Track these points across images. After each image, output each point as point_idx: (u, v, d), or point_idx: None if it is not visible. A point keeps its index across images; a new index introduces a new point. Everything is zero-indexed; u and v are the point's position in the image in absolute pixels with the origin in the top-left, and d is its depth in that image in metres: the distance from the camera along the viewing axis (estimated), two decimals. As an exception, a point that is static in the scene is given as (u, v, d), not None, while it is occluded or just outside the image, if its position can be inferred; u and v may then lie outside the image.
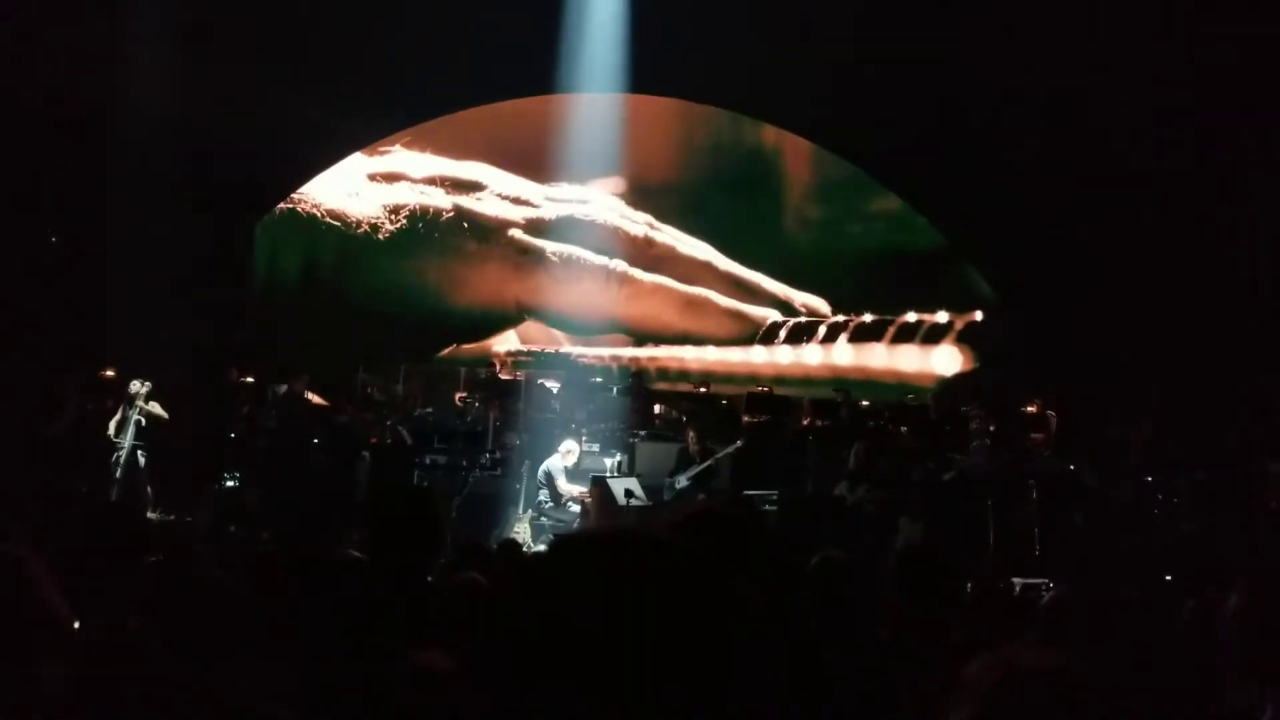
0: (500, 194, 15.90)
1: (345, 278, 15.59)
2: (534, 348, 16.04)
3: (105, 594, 2.52)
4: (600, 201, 15.85)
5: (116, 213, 12.52)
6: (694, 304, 16.00)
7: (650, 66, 14.08)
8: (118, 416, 10.84)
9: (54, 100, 11.95)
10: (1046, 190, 13.18)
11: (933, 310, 15.21)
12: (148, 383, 10.91)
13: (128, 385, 10.91)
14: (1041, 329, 13.60)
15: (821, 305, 15.93)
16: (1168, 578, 7.80)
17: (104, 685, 2.11)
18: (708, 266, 15.98)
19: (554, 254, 15.75)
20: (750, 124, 16.10)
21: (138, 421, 10.76)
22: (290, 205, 15.29)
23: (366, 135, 15.24)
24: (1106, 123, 12.58)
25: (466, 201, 15.85)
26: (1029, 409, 12.25)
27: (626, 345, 16.16)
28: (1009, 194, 13.44)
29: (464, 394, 14.02)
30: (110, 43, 12.45)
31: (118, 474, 10.66)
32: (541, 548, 10.16)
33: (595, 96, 14.67)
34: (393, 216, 15.65)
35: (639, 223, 15.97)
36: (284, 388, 12.46)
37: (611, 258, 15.73)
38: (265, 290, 15.29)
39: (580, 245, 15.70)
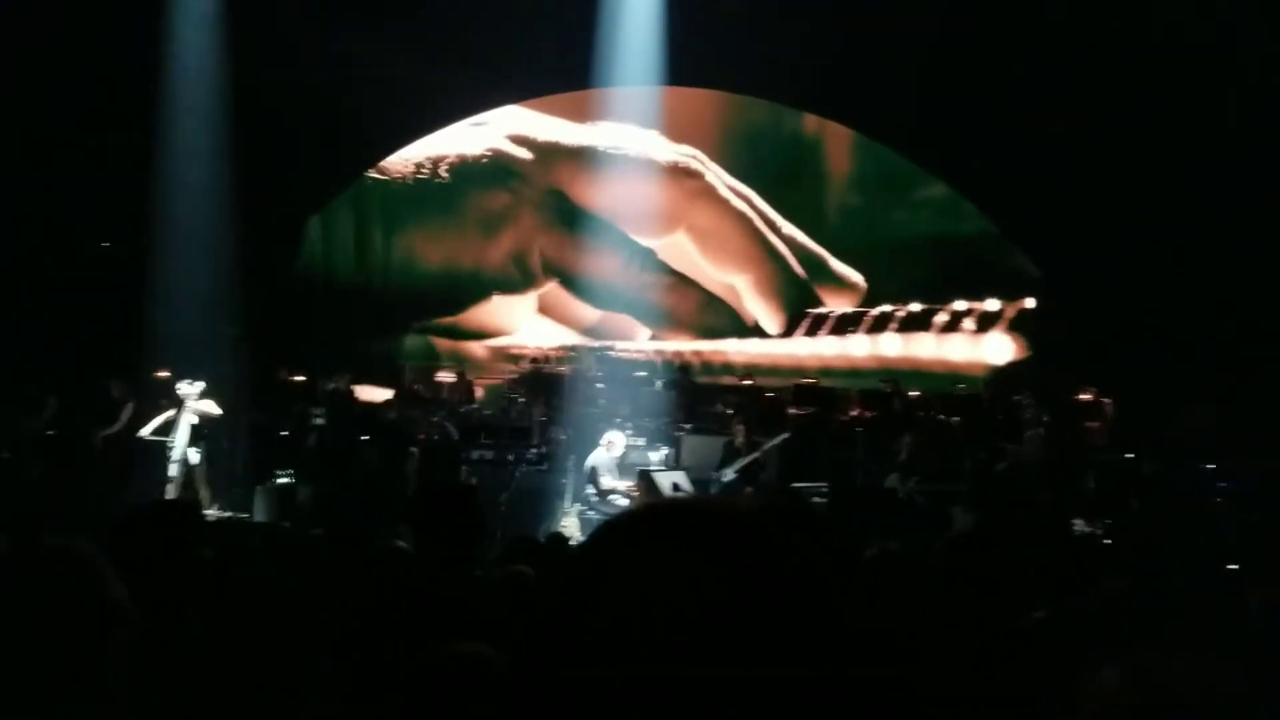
0: (538, 138, 15.94)
1: (390, 237, 15.91)
2: (578, 343, 16.09)
3: (165, 589, 2.56)
4: (641, 136, 15.73)
5: (165, 212, 12.78)
6: (714, 304, 15.94)
7: (687, 59, 14.02)
8: (161, 419, 11.02)
9: (102, 107, 12.18)
10: (1098, 172, 12.97)
11: (982, 298, 15.01)
12: (198, 382, 11.08)
13: (178, 386, 11.10)
14: (1096, 314, 13.39)
15: (857, 279, 15.76)
16: (1231, 568, 7.64)
17: (164, 678, 2.14)
18: (744, 220, 15.84)
19: (585, 214, 15.73)
20: (789, 113, 15.99)
21: (190, 422, 10.93)
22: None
23: (398, 139, 15.39)
24: (1160, 102, 12.35)
25: (503, 146, 15.94)
26: (1084, 397, 12.07)
27: (669, 338, 16.15)
28: (1059, 177, 13.24)
29: (508, 390, 14.12)
30: (158, 39, 12.69)
31: (172, 472, 10.86)
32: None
33: (632, 90, 14.65)
34: (433, 168, 15.83)
35: (682, 154, 15.86)
36: (331, 385, 12.62)
37: (647, 202, 15.53)
38: (323, 275, 15.56)
39: (616, 180, 15.52)
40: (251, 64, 12.87)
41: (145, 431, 11.08)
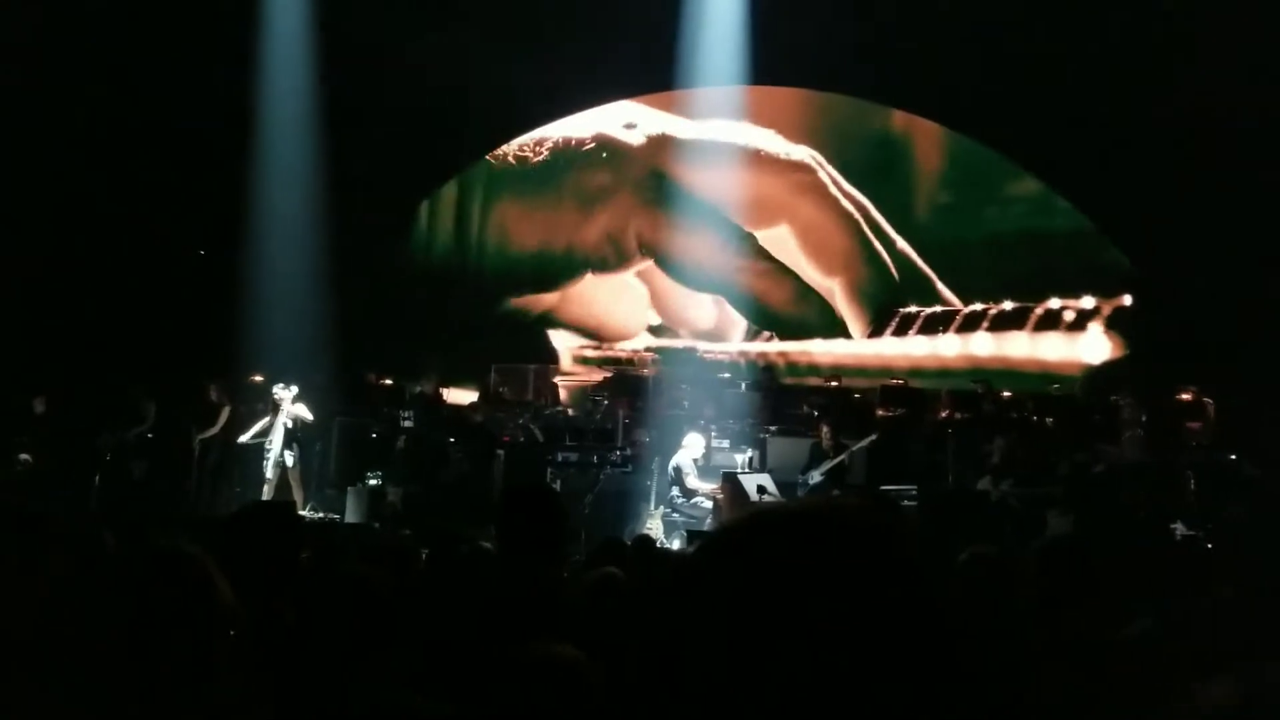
0: (645, 125, 16.06)
1: (488, 213, 16.22)
2: (662, 344, 16.09)
3: (267, 590, 2.64)
4: (757, 132, 15.68)
5: (259, 221, 13.18)
6: (807, 297, 15.79)
7: (772, 57, 13.93)
8: (260, 425, 11.36)
9: (199, 118, 12.59)
10: (1194, 165, 12.56)
11: (1077, 295, 14.64)
12: (293, 386, 11.39)
13: (273, 390, 11.43)
14: (1197, 311, 12.95)
15: (959, 306, 15.49)
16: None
17: (268, 676, 2.21)
18: (852, 222, 15.68)
19: (685, 195, 15.75)
20: (877, 109, 15.78)
21: (285, 425, 11.26)
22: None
23: (491, 140, 15.60)
24: (1265, 96, 11.90)
25: (607, 130, 16.12)
26: (1185, 396, 11.70)
27: (754, 340, 16.07)
28: (1154, 170, 12.85)
29: (592, 392, 14.20)
30: (251, 40, 13.09)
31: (268, 474, 11.20)
32: (676, 544, 10.20)
33: (715, 90, 14.60)
34: (536, 148, 16.07)
35: (798, 151, 15.80)
36: (418, 388, 12.86)
37: (752, 190, 15.44)
38: (423, 258, 16.02)
39: (722, 165, 15.46)
40: (342, 70, 13.18)
41: (245, 437, 11.45)
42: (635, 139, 16.04)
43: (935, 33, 13.28)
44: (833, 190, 15.65)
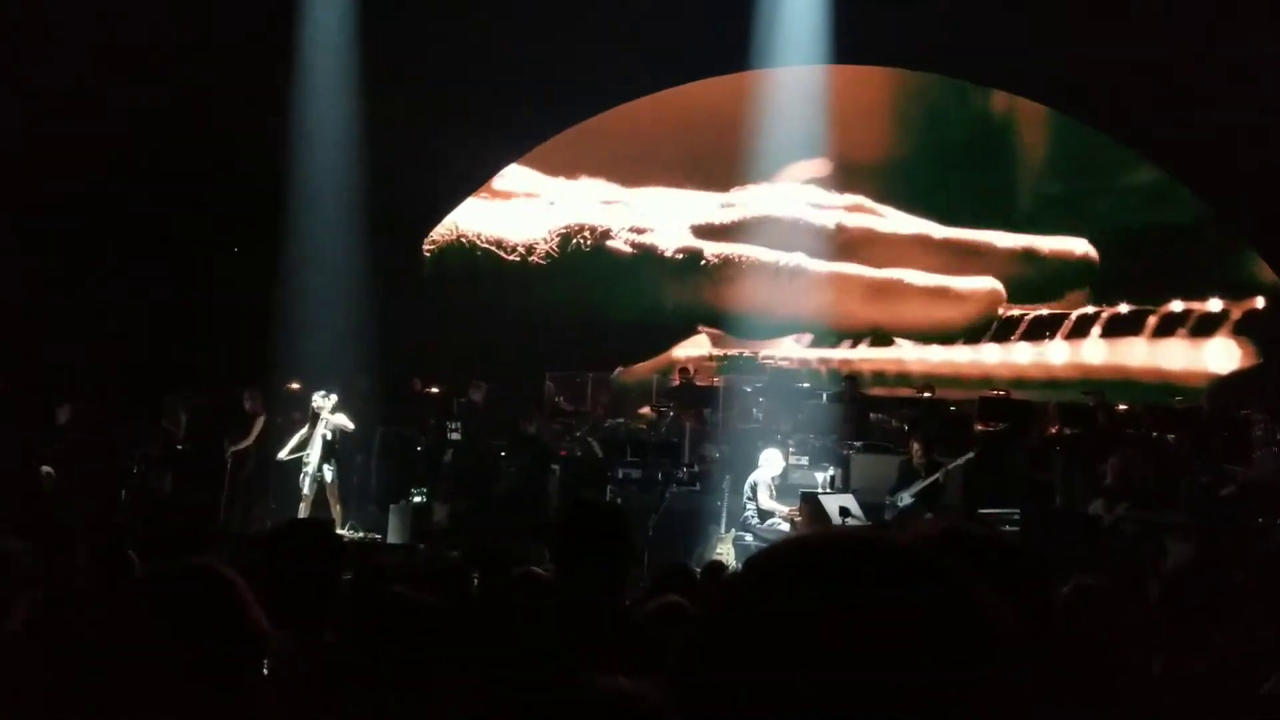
0: (667, 205, 16.32)
1: (506, 302, 16.27)
2: (731, 351, 16.04)
3: (304, 610, 2.69)
4: (783, 195, 15.77)
5: (296, 216, 13.44)
6: (884, 289, 15.65)
7: (857, 33, 13.82)
8: (296, 439, 11.50)
9: (236, 130, 12.88)
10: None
11: (1203, 297, 14.37)
12: (332, 395, 11.51)
13: (311, 399, 11.57)
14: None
15: (1080, 246, 15.23)
16: None
17: (304, 698, 2.25)
18: (920, 241, 15.61)
19: (716, 255, 15.83)
20: (976, 89, 15.63)
21: (324, 437, 11.38)
22: (451, 237, 16.22)
23: (554, 124, 15.73)
24: None
25: (626, 215, 16.36)
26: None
27: (834, 346, 15.98)
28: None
29: (656, 403, 14.17)
30: (287, 78, 13.41)
31: (305, 489, 11.34)
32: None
33: (795, 70, 14.54)
34: (546, 238, 16.21)
35: (833, 207, 15.83)
36: (467, 398, 12.97)
37: (791, 252, 15.61)
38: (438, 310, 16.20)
39: (758, 244, 15.71)
40: (378, 74, 13.39)
41: (284, 453, 11.60)
42: (650, 220, 16.25)
43: (1036, 5, 13.09)
44: (881, 229, 15.77)
